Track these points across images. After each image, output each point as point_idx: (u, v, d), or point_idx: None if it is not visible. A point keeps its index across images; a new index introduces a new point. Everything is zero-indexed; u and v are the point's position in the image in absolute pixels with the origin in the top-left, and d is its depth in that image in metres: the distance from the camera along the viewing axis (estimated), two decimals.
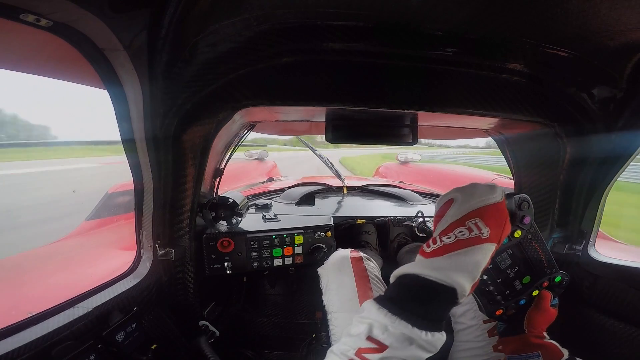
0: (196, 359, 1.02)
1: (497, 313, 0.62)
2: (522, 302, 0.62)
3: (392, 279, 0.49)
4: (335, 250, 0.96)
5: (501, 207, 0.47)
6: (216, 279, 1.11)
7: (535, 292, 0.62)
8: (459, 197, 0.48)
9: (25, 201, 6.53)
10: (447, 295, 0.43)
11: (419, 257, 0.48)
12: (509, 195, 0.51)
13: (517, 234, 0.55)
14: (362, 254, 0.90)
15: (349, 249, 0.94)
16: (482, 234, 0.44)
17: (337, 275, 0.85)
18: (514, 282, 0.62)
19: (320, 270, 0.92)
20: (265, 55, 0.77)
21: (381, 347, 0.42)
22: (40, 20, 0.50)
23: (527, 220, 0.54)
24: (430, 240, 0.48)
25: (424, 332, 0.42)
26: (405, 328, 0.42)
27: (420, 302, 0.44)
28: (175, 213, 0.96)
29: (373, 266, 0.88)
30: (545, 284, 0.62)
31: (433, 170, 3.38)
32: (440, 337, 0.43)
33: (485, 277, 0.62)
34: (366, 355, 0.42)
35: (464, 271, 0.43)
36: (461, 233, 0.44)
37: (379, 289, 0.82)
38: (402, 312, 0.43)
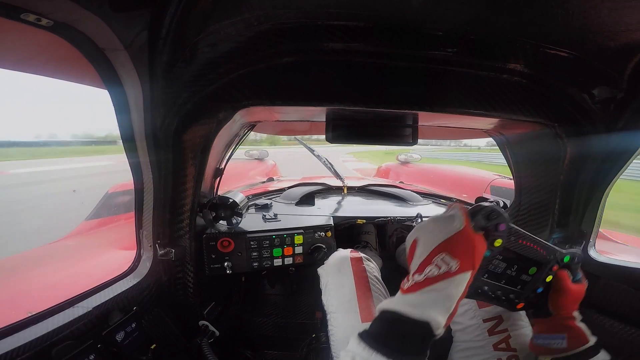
0: (196, 359, 1.02)
1: (519, 307, 0.62)
2: (540, 290, 0.62)
3: (377, 312, 0.51)
4: (336, 250, 0.96)
5: (464, 233, 0.48)
6: (216, 279, 1.11)
7: (549, 278, 0.62)
8: (420, 236, 0.50)
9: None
10: (421, 329, 0.45)
11: (398, 293, 0.50)
12: (474, 213, 0.50)
13: (498, 242, 0.53)
14: (362, 255, 0.90)
15: (349, 250, 0.94)
16: (451, 268, 0.45)
17: (336, 275, 0.85)
18: (521, 277, 0.61)
19: (320, 270, 0.92)
20: (266, 55, 0.77)
21: None
22: (41, 19, 0.50)
23: (502, 227, 0.52)
24: (406, 278, 0.50)
25: None
26: None
27: (397, 337, 0.46)
28: (175, 213, 0.96)
29: (373, 267, 0.88)
30: (555, 267, 0.61)
31: (433, 170, 3.38)
32: None
33: (486, 288, 0.62)
34: None
35: (436, 306, 0.45)
36: (430, 271, 0.46)
37: (378, 289, 0.82)
38: (379, 346, 0.45)
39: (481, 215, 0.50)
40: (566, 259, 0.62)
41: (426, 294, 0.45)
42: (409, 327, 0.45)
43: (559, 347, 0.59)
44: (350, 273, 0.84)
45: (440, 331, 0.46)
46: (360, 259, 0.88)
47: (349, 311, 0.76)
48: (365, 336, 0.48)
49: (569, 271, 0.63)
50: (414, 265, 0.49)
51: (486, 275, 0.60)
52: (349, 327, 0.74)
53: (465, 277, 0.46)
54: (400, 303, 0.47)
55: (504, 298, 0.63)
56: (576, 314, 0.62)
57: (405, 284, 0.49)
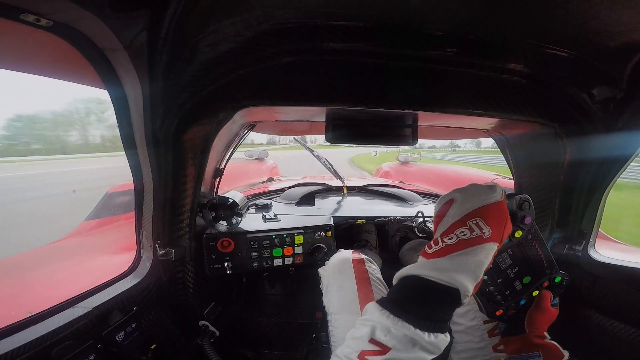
0: (196, 359, 1.02)
1: (498, 313, 0.62)
2: (522, 302, 0.62)
3: (394, 281, 0.49)
4: (336, 251, 0.96)
5: (502, 206, 0.47)
6: (216, 279, 1.11)
7: (535, 293, 0.62)
8: (459, 197, 0.48)
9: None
10: (450, 296, 0.43)
11: (421, 258, 0.48)
12: (509, 196, 0.51)
13: (518, 234, 0.54)
14: (363, 256, 0.90)
15: (351, 250, 0.94)
16: (484, 233, 0.44)
17: (338, 276, 0.85)
18: (514, 283, 0.62)
19: (321, 271, 0.92)
20: (266, 55, 0.77)
21: (384, 350, 0.42)
22: (41, 20, 0.50)
23: (528, 220, 0.53)
24: (432, 241, 0.48)
25: (426, 333, 0.42)
26: (408, 330, 0.42)
27: (422, 304, 0.44)
28: (175, 213, 0.96)
29: (375, 268, 0.88)
30: (546, 284, 0.62)
31: (433, 171, 3.38)
32: (444, 339, 0.43)
33: (485, 277, 0.62)
34: (369, 358, 0.42)
35: (466, 271, 0.43)
36: (462, 233, 0.44)
37: (381, 291, 0.82)
38: (404, 313, 0.43)
39: (515, 201, 0.51)
40: (557, 279, 0.62)
41: (456, 258, 0.43)
42: (437, 293, 0.43)
43: None
44: (352, 274, 0.83)
45: (467, 300, 0.44)
46: (362, 260, 0.88)
47: (351, 312, 0.76)
48: (386, 303, 0.45)
49: (552, 292, 0.63)
50: (443, 225, 0.47)
51: (491, 266, 0.60)
52: (350, 328, 0.74)
53: (493, 248, 0.45)
54: (427, 268, 0.45)
55: (492, 295, 0.63)
56: (546, 333, 0.61)
57: (432, 248, 0.46)
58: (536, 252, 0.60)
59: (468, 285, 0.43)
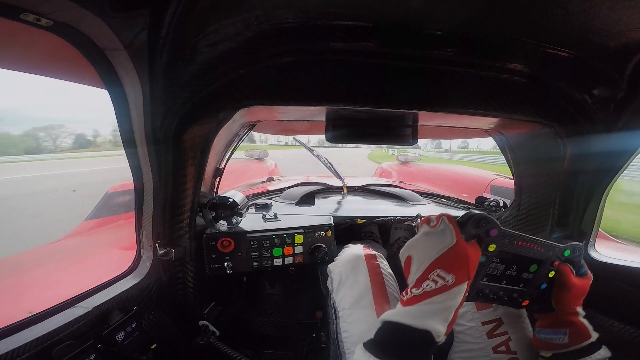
0: (196, 359, 1.03)
1: (524, 304, 0.62)
2: (544, 286, 0.62)
3: (379, 324, 0.53)
4: (337, 249, 0.96)
5: (457, 248, 0.49)
6: (216, 278, 1.11)
7: (551, 274, 0.62)
8: (414, 254, 0.52)
9: None
10: (423, 339, 0.47)
11: (398, 304, 0.52)
12: (462, 224, 0.51)
13: (492, 247, 0.54)
14: (375, 252, 0.91)
15: (361, 246, 0.95)
16: (447, 281, 0.47)
17: (351, 272, 0.86)
18: (522, 275, 0.61)
19: (331, 266, 0.92)
20: (266, 55, 0.77)
21: None
22: (41, 19, 0.50)
23: (494, 232, 0.52)
24: (404, 291, 0.52)
25: None
26: None
27: (400, 347, 0.48)
28: (175, 213, 0.96)
29: (386, 264, 0.90)
30: (557, 262, 0.61)
31: (433, 170, 3.38)
32: None
33: (487, 290, 0.61)
34: None
35: (435, 317, 0.47)
36: (428, 285, 0.48)
37: (392, 286, 0.84)
38: (385, 356, 0.47)
39: (470, 225, 0.51)
40: (566, 253, 0.62)
41: (425, 306, 0.48)
42: (411, 336, 0.47)
43: (561, 343, 0.60)
44: (365, 270, 0.85)
45: (441, 339, 0.47)
46: (374, 256, 0.89)
47: (366, 307, 0.78)
48: (370, 346, 0.50)
49: (571, 265, 0.63)
50: (410, 280, 0.52)
51: (485, 278, 0.60)
52: (365, 322, 0.76)
53: (462, 289, 0.48)
54: (401, 315, 0.49)
55: (506, 298, 0.63)
56: (579, 309, 0.62)
57: (405, 296, 0.51)
58: (524, 247, 0.58)
59: (438, 327, 0.46)
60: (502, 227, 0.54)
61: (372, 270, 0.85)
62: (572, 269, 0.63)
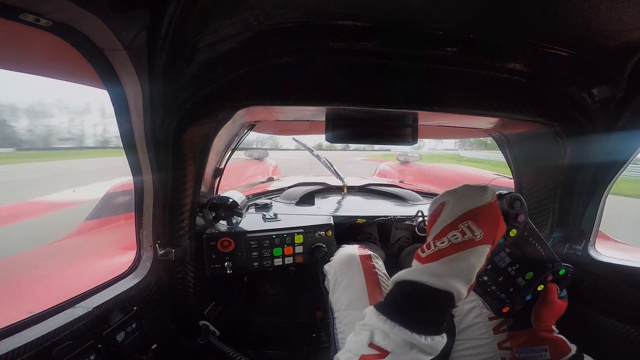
0: (196, 359, 1.03)
1: (504, 310, 0.62)
2: (528, 297, 0.62)
3: (390, 285, 0.50)
4: (337, 248, 0.96)
5: (493, 207, 0.47)
6: (216, 278, 1.11)
7: (540, 287, 0.62)
8: (450, 200, 0.49)
9: None
10: (444, 299, 0.44)
11: (414, 262, 0.48)
12: (500, 196, 0.51)
13: (512, 232, 0.54)
14: (370, 252, 0.90)
15: (356, 246, 0.94)
16: (476, 236, 0.44)
17: (346, 273, 0.85)
18: (517, 279, 0.62)
19: (327, 267, 0.92)
20: (265, 55, 0.77)
21: (383, 353, 0.43)
22: (40, 20, 0.50)
23: (522, 218, 0.53)
24: (425, 245, 0.48)
25: (423, 336, 0.42)
26: (405, 334, 0.42)
27: (418, 308, 0.45)
28: (175, 213, 0.96)
29: (381, 264, 0.89)
30: (550, 277, 0.62)
31: (433, 170, 3.38)
32: (440, 340, 0.44)
33: (485, 278, 0.62)
34: None
35: (459, 275, 0.44)
36: (454, 237, 0.45)
37: (388, 287, 0.82)
38: (401, 318, 0.43)
39: (506, 200, 0.51)
40: (561, 271, 0.62)
41: (449, 263, 0.44)
42: (432, 297, 0.44)
43: (543, 359, 0.59)
44: (360, 270, 0.84)
45: (461, 303, 0.45)
46: (369, 256, 0.88)
47: (361, 309, 0.76)
48: (382, 307, 0.46)
49: (557, 285, 0.63)
50: (435, 229, 0.48)
51: (490, 265, 0.60)
52: None
53: (486, 250, 0.45)
54: (420, 273, 0.45)
55: (496, 294, 0.63)
56: (554, 327, 0.62)
57: (425, 252, 0.47)
58: (534, 248, 0.60)
59: (461, 288, 0.43)
60: (528, 219, 0.54)
61: (367, 271, 0.83)
62: (558, 289, 0.63)
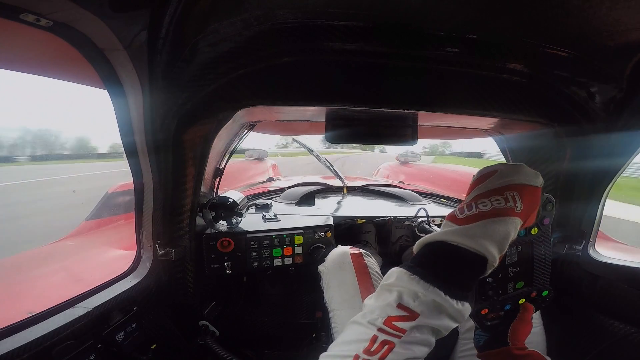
0: (196, 359, 1.03)
1: (482, 312, 0.61)
2: (507, 307, 0.60)
3: (416, 248, 0.48)
4: (335, 248, 0.96)
5: (539, 193, 0.48)
6: (216, 278, 1.11)
7: (522, 300, 0.60)
8: (503, 170, 0.48)
9: None
10: (478, 264, 0.42)
11: (448, 223, 0.46)
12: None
13: (534, 231, 0.53)
14: (361, 250, 0.90)
15: (348, 246, 0.94)
16: (517, 207, 0.43)
17: (338, 272, 0.85)
18: (509, 284, 0.61)
19: (321, 267, 0.92)
20: (266, 55, 0.77)
21: (412, 315, 0.40)
22: (40, 20, 0.50)
23: (547, 221, 0.53)
24: (464, 205, 0.46)
25: (454, 300, 0.41)
26: (438, 296, 0.40)
27: (452, 270, 0.42)
28: (175, 213, 0.96)
29: (373, 262, 0.88)
30: (534, 294, 0.61)
31: (433, 170, 3.38)
32: (468, 307, 0.43)
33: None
34: (397, 324, 0.40)
35: (495, 240, 0.42)
36: (497, 201, 0.44)
37: (379, 282, 0.82)
38: (435, 279, 0.41)
39: (541, 199, 0.51)
40: (545, 292, 0.61)
41: (488, 224, 0.42)
42: (466, 260, 0.42)
43: None
44: (351, 269, 0.84)
45: (490, 270, 0.43)
46: (361, 254, 0.88)
47: (353, 307, 0.76)
48: (414, 269, 0.44)
49: (534, 305, 0.62)
50: (481, 189, 0.47)
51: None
52: None
53: (519, 225, 0.44)
54: (456, 234, 0.43)
55: (486, 291, 0.62)
56: (525, 344, 0.60)
57: (463, 212, 0.45)
58: (541, 256, 0.59)
59: (495, 254, 0.41)
60: (551, 226, 0.54)
61: (358, 270, 0.83)
62: (533, 309, 0.62)
